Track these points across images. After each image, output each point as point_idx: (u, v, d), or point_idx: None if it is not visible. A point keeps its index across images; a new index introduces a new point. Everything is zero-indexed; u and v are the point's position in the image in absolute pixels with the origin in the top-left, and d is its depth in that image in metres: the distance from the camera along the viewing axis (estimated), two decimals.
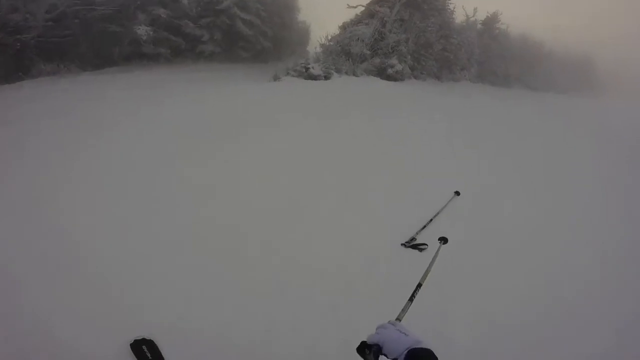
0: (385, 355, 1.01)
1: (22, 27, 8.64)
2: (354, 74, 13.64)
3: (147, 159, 4.82)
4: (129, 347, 2.21)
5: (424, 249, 3.52)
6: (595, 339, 2.79)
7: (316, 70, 12.10)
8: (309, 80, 11.66)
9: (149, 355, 2.19)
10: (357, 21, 15.80)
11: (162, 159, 4.83)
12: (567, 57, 25.37)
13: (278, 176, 4.82)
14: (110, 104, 7.09)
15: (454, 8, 17.48)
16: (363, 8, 15.83)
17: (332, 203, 4.36)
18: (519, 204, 5.10)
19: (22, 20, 8.59)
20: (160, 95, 8.01)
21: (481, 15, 19.30)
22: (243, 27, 14.59)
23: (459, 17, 18.26)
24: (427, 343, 0.97)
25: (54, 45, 9.38)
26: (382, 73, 14.18)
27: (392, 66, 14.21)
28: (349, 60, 14.16)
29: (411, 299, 1.60)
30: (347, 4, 15.74)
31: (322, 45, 15.22)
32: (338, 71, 13.16)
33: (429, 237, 3.65)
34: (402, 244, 3.66)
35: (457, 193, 4.99)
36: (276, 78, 11.64)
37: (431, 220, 4.16)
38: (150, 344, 2.24)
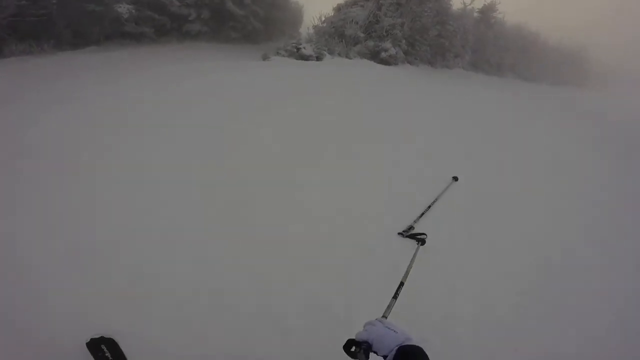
0: (375, 353, 0.99)
1: None
2: (347, 56, 13.15)
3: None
4: (85, 346, 1.90)
5: (422, 238, 3.25)
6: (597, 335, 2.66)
7: (308, 50, 11.56)
8: (300, 61, 11.15)
9: (108, 355, 1.89)
10: (352, 3, 15.24)
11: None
12: (561, 49, 25.36)
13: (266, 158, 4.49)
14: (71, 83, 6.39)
15: None
16: None
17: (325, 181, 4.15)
18: (516, 190, 4.97)
19: None
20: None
21: (478, 4, 18.90)
22: (233, 7, 13.81)
23: (455, 4, 17.81)
24: (416, 340, 0.96)
25: (30, 25, 8.76)
26: (375, 56, 13.70)
27: (385, 50, 13.74)
28: (342, 42, 13.63)
29: (395, 297, 1.68)
30: None
31: (315, 27, 14.67)
32: (331, 52, 12.64)
33: (427, 227, 3.41)
34: (399, 233, 3.39)
35: (455, 178, 4.74)
36: (265, 57, 11.06)
37: (429, 207, 3.89)
38: (110, 343, 1.94)
